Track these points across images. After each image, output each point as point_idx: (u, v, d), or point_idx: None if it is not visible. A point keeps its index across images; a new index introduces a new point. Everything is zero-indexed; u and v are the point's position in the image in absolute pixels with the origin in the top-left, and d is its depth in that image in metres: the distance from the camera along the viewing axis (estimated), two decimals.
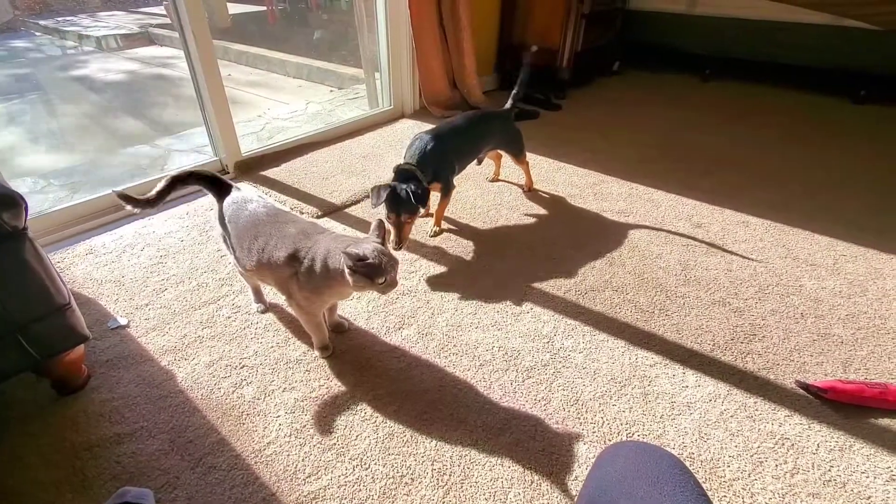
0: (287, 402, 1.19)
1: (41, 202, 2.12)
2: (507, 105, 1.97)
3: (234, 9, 6.14)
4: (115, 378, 1.24)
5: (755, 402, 1.19)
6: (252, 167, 2.28)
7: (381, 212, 1.59)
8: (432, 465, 1.05)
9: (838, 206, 2.03)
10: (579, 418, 1.15)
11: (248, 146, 2.38)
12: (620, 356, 1.32)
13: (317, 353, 1.32)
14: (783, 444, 1.09)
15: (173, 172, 1.23)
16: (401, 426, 1.13)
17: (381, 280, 1.06)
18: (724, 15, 3.40)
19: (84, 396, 1.19)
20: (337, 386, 1.23)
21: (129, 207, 1.19)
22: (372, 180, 2.18)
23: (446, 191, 1.77)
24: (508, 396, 1.20)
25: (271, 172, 2.26)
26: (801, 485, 1.01)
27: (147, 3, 7.05)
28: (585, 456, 1.07)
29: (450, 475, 1.03)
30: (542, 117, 2.99)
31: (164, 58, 4.98)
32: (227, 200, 1.28)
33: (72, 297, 1.11)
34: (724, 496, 0.99)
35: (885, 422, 1.14)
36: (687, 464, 0.95)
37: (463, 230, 1.88)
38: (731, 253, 1.73)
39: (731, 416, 1.16)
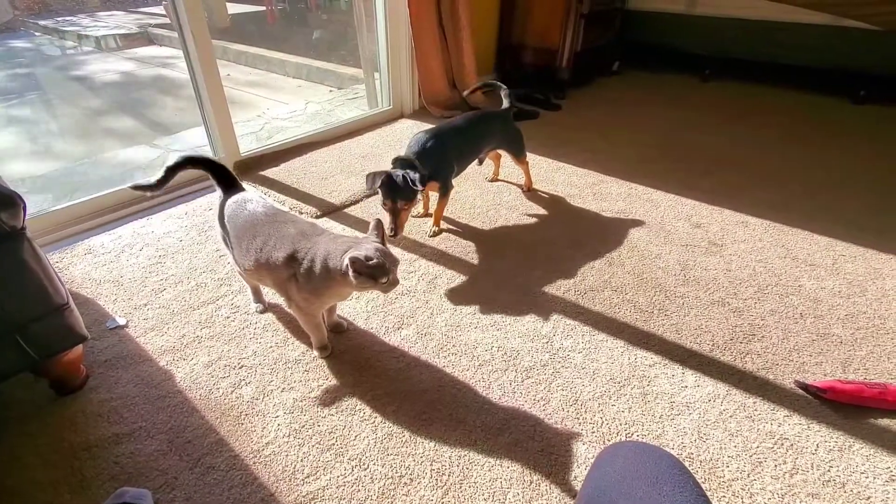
0: (286, 402, 1.19)
1: (40, 202, 2.12)
2: (506, 104, 1.96)
3: (233, 8, 6.14)
4: (114, 378, 1.24)
5: (754, 403, 1.19)
6: (251, 167, 2.28)
7: (381, 213, 1.59)
8: (431, 465, 1.05)
9: (838, 207, 2.03)
10: (578, 418, 1.15)
11: (248, 146, 2.38)
12: (620, 356, 1.32)
13: (315, 353, 1.32)
14: (782, 445, 1.09)
15: (188, 153, 1.25)
16: (400, 426, 1.13)
17: (384, 280, 1.07)
18: (724, 15, 3.40)
19: (82, 396, 1.19)
20: (336, 386, 1.23)
21: (147, 194, 1.26)
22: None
23: (445, 191, 1.77)
24: (507, 396, 1.20)
25: (270, 172, 2.26)
26: (801, 485, 1.01)
27: (146, 2, 7.04)
28: (584, 456, 1.07)
29: (449, 475, 1.03)
30: (542, 117, 2.99)
31: (163, 58, 4.98)
32: (229, 200, 1.28)
33: (70, 297, 1.11)
34: (724, 496, 0.99)
35: (884, 422, 1.14)
36: (686, 464, 0.95)
37: (462, 230, 1.88)
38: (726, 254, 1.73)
39: (731, 417, 1.15)
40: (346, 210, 2.01)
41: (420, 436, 1.11)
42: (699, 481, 0.67)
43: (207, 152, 2.27)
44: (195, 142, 2.84)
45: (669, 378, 1.25)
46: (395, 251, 1.61)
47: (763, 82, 3.53)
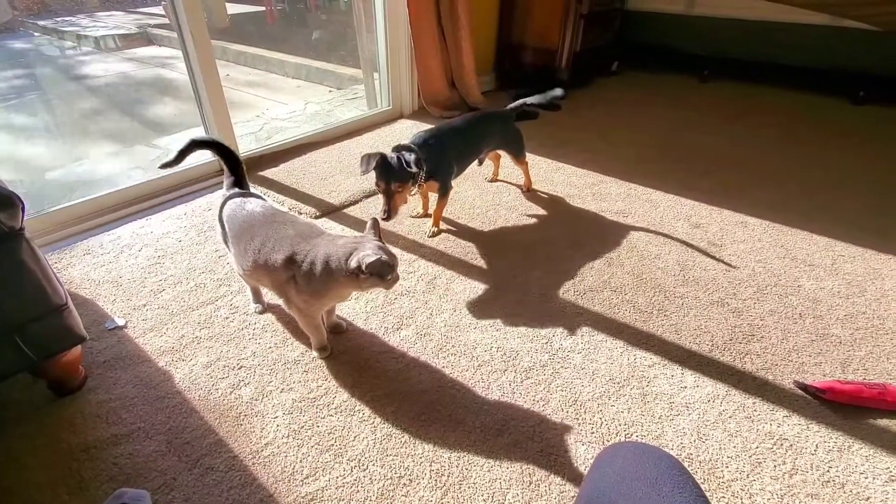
0: (285, 402, 1.18)
1: (40, 202, 2.11)
2: (513, 105, 1.95)
3: (232, 9, 6.13)
4: (113, 379, 1.24)
5: (754, 403, 1.19)
6: (250, 167, 2.27)
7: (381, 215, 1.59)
8: (430, 466, 1.04)
9: (837, 207, 2.03)
10: (578, 419, 1.15)
11: (247, 146, 2.38)
12: (619, 356, 1.32)
13: (315, 353, 1.31)
14: (782, 445, 1.09)
15: (202, 136, 1.28)
16: (399, 427, 1.13)
17: (390, 277, 1.09)
18: (723, 15, 3.40)
19: (81, 397, 1.19)
20: (335, 387, 1.23)
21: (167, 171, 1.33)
22: (371, 180, 2.17)
23: (444, 191, 1.77)
24: (507, 397, 1.20)
25: (270, 173, 2.26)
26: (800, 485, 1.01)
27: (145, 3, 7.04)
28: (584, 456, 1.07)
29: (448, 476, 1.02)
30: (541, 117, 2.98)
31: (162, 58, 4.97)
32: (229, 200, 1.28)
33: (69, 298, 1.11)
34: (723, 497, 0.99)
35: (883, 422, 1.14)
36: (685, 464, 0.95)
37: (461, 230, 1.88)
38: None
39: (730, 417, 1.15)
40: (345, 210, 2.01)
41: (419, 436, 1.11)
42: (698, 482, 0.67)
43: (207, 152, 2.27)
44: None
45: (669, 378, 1.25)
46: (395, 251, 1.60)
47: (762, 83, 3.53)
